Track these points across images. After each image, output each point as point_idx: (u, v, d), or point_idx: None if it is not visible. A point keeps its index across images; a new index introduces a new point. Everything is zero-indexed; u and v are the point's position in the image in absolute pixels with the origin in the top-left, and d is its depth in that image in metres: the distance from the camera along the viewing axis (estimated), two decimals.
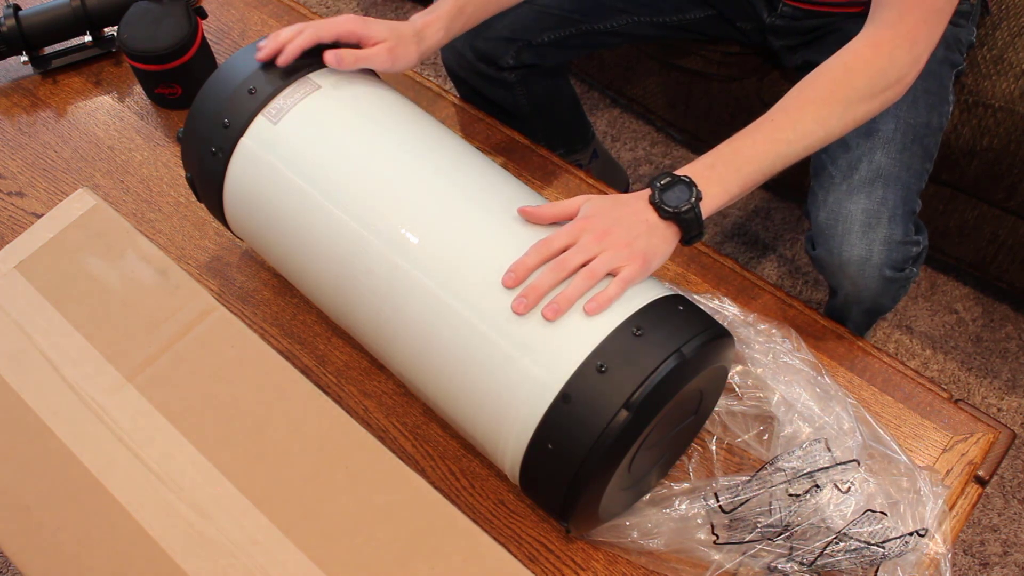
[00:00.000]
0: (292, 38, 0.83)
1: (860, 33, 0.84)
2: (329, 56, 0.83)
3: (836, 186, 1.00)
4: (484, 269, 0.74)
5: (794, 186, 1.54)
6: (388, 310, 0.77)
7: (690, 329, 0.71)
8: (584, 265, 0.73)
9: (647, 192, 0.77)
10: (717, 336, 0.73)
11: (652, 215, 0.76)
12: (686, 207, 0.76)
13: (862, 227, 0.97)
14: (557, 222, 0.77)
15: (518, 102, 1.27)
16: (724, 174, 0.79)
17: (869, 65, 0.81)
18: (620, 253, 0.73)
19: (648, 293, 0.73)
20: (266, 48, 0.83)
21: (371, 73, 0.89)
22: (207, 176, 0.85)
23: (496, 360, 0.71)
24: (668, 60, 1.49)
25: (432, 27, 0.89)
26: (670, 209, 0.76)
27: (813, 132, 0.81)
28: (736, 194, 0.79)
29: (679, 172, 0.78)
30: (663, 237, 0.76)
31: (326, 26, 0.84)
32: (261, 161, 0.81)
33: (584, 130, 1.49)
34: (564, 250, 0.73)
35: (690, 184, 0.77)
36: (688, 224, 0.77)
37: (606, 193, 1.05)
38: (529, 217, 0.75)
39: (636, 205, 0.77)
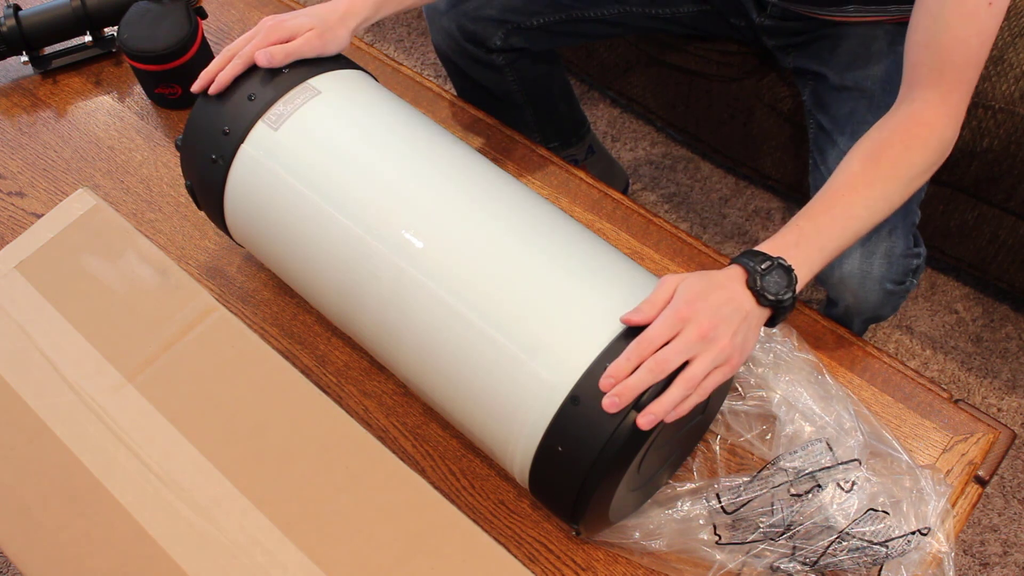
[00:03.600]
0: (221, 67, 0.83)
1: (906, 106, 0.85)
2: (260, 56, 0.82)
3: None
4: (490, 272, 0.74)
5: (794, 186, 1.54)
6: (394, 315, 0.76)
7: None
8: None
9: (741, 274, 0.73)
10: None
11: (749, 301, 0.72)
12: (787, 295, 0.72)
13: (862, 240, 0.96)
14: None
15: (508, 87, 1.27)
16: (809, 253, 0.77)
17: (926, 145, 0.84)
18: (721, 354, 0.69)
19: None
20: (198, 82, 0.84)
21: (370, 76, 0.89)
22: (207, 184, 0.85)
23: (504, 363, 0.71)
24: (667, 60, 1.49)
25: (358, 4, 0.89)
26: (771, 297, 0.72)
27: (881, 209, 0.82)
28: (816, 272, 0.78)
29: (768, 251, 0.75)
30: (757, 326, 0.73)
31: (253, 43, 0.84)
32: (262, 168, 0.81)
33: (579, 124, 1.48)
34: (664, 343, 0.69)
35: (788, 269, 0.73)
36: (785, 311, 0.74)
37: (605, 193, 1.05)
38: (637, 321, 0.69)
39: (733, 289, 0.72)
